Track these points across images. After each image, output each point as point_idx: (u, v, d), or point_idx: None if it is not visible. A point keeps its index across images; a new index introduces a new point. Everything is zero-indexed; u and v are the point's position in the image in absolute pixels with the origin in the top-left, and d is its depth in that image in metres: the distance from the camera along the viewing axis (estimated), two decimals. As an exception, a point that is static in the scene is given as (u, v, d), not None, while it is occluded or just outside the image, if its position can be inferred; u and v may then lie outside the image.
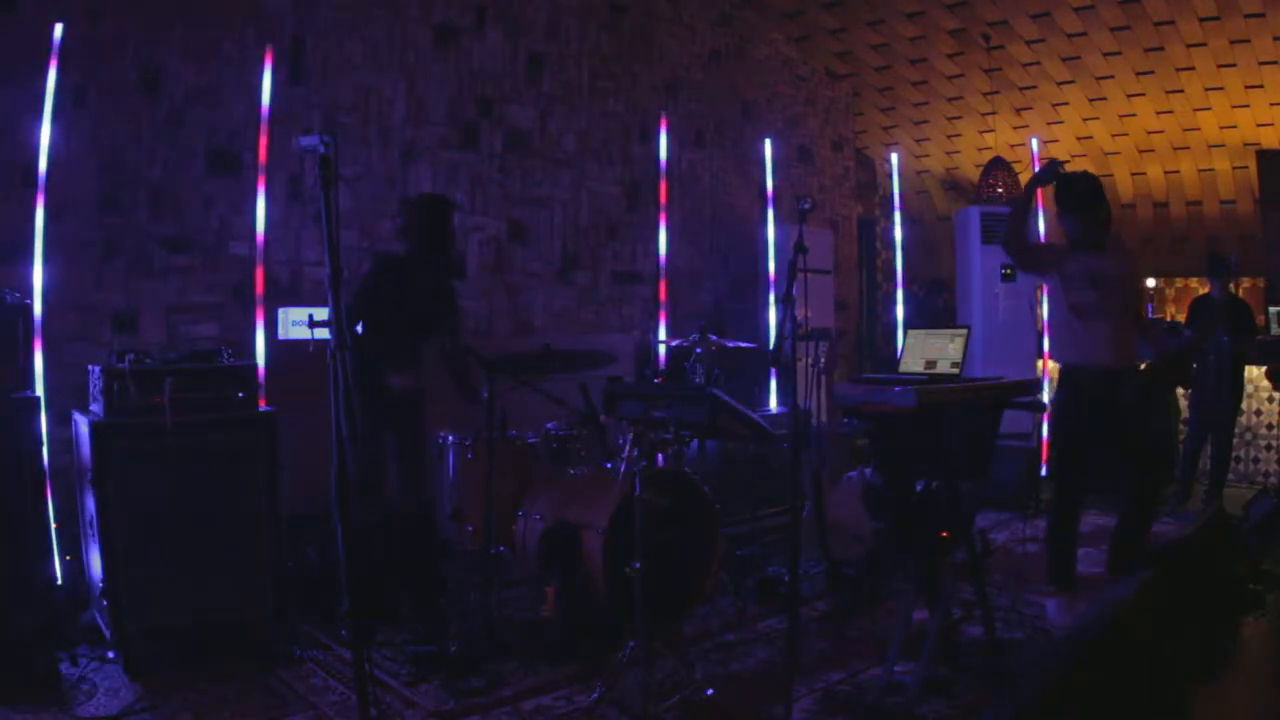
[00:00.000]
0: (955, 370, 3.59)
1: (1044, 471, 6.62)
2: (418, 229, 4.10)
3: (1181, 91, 6.77)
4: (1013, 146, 7.88)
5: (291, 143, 4.70)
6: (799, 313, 3.10)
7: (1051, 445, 4.31)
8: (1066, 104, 7.35)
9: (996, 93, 7.40)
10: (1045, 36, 6.68)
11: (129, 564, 3.37)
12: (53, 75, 4.00)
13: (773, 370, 6.15)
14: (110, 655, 3.43)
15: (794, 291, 3.01)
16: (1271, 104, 6.63)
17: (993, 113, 7.61)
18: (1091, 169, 7.83)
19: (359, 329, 3.99)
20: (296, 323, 4.73)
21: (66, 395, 3.93)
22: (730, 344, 4.94)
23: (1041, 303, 7.20)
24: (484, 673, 3.36)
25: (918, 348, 3.77)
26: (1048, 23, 6.52)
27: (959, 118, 7.99)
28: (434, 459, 4.29)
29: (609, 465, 4.01)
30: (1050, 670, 2.31)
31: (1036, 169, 4.25)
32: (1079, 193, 3.95)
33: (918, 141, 8.55)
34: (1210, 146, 7.21)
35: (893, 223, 7.85)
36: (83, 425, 3.58)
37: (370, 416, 3.72)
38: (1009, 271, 7.03)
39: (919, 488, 3.90)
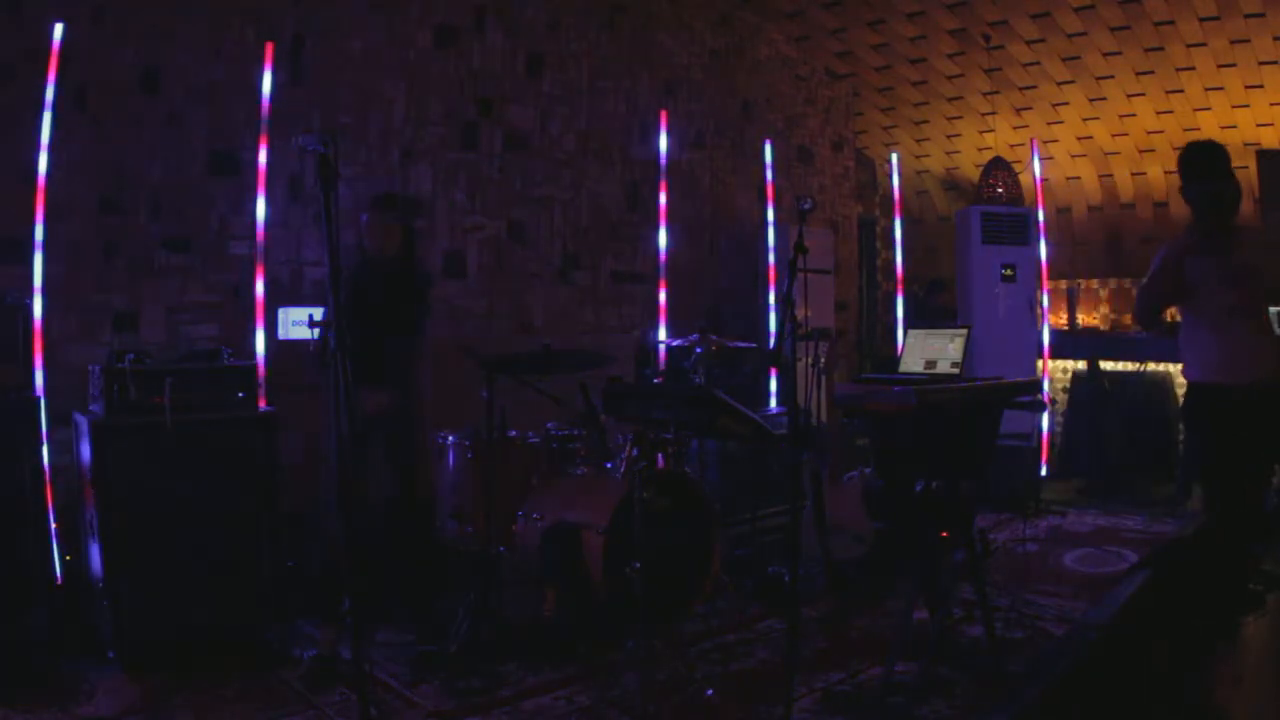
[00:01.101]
0: (955, 370, 3.59)
1: (1044, 472, 6.64)
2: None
3: (1181, 91, 6.76)
4: (1013, 146, 7.87)
5: (291, 143, 4.70)
6: (799, 313, 3.10)
7: (1214, 464, 3.47)
8: (1066, 104, 7.34)
9: (996, 93, 7.40)
10: (1045, 36, 6.67)
11: (129, 564, 3.38)
12: (53, 75, 4.00)
13: (773, 370, 6.16)
14: (110, 655, 3.43)
15: (794, 291, 3.01)
16: (1271, 104, 6.62)
17: (993, 113, 7.61)
18: (1091, 169, 7.85)
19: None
20: (296, 323, 4.73)
21: (66, 395, 3.93)
22: (730, 344, 4.94)
23: (1041, 302, 7.23)
24: (484, 673, 3.36)
25: (918, 348, 3.77)
26: (1048, 23, 6.51)
27: (959, 118, 7.98)
28: (434, 459, 4.29)
29: (609, 465, 4.01)
30: (1051, 670, 2.31)
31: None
32: (1196, 159, 3.40)
33: (918, 141, 8.55)
34: (1210, 146, 7.21)
35: (893, 223, 7.85)
36: (83, 425, 3.58)
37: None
38: (1009, 271, 7.03)
39: (919, 488, 3.90)
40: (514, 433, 4.23)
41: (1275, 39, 6.03)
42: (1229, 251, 3.29)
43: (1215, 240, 3.30)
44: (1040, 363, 7.06)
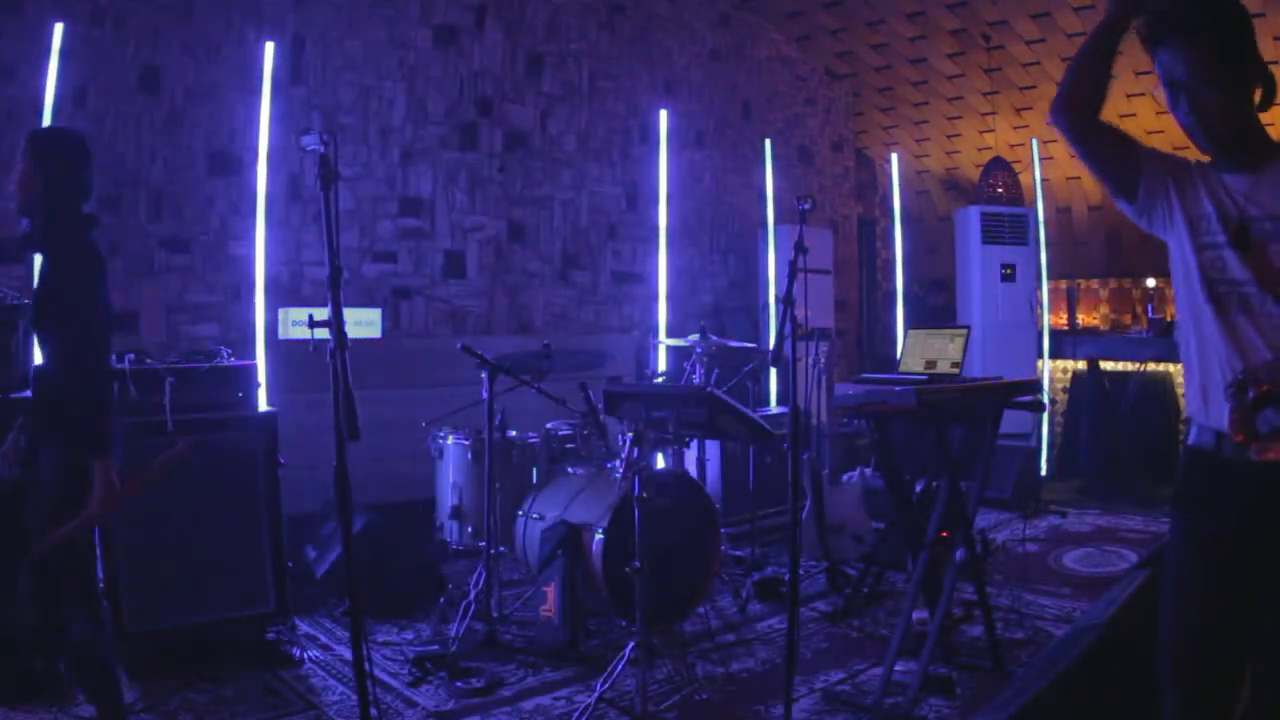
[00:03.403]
0: (955, 370, 3.59)
1: (1043, 472, 6.63)
2: None
3: (1181, 91, 6.77)
4: (1013, 146, 7.87)
5: (291, 142, 4.71)
6: (799, 313, 3.10)
7: (1164, 611, 1.83)
8: (1067, 104, 7.34)
9: (996, 93, 7.40)
10: (1045, 36, 6.67)
11: (129, 564, 3.37)
12: (53, 75, 4.00)
13: (773, 370, 6.16)
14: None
15: (794, 291, 3.01)
16: (1272, 104, 6.63)
17: (993, 113, 7.60)
18: (1091, 169, 7.84)
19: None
20: (296, 323, 4.73)
21: (66, 395, 3.92)
22: (730, 344, 4.94)
23: (1042, 302, 7.22)
24: (484, 673, 3.36)
25: (918, 348, 3.77)
26: (1048, 23, 6.51)
27: (959, 118, 7.98)
28: (434, 459, 4.29)
29: (609, 465, 4.01)
30: (1051, 669, 2.31)
31: None
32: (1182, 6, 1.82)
33: (918, 141, 8.55)
34: (1210, 146, 7.21)
35: (893, 223, 7.84)
36: (83, 425, 3.57)
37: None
38: (1009, 271, 7.03)
39: (919, 488, 3.90)
40: (514, 433, 4.23)
41: (1275, 39, 6.03)
42: (1258, 182, 1.81)
43: (1238, 159, 1.85)
44: (1040, 363, 7.06)
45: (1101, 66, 1.99)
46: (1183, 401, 6.46)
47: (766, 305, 6.74)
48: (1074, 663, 2.28)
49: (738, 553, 4.68)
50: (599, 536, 3.57)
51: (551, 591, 3.65)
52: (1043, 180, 7.28)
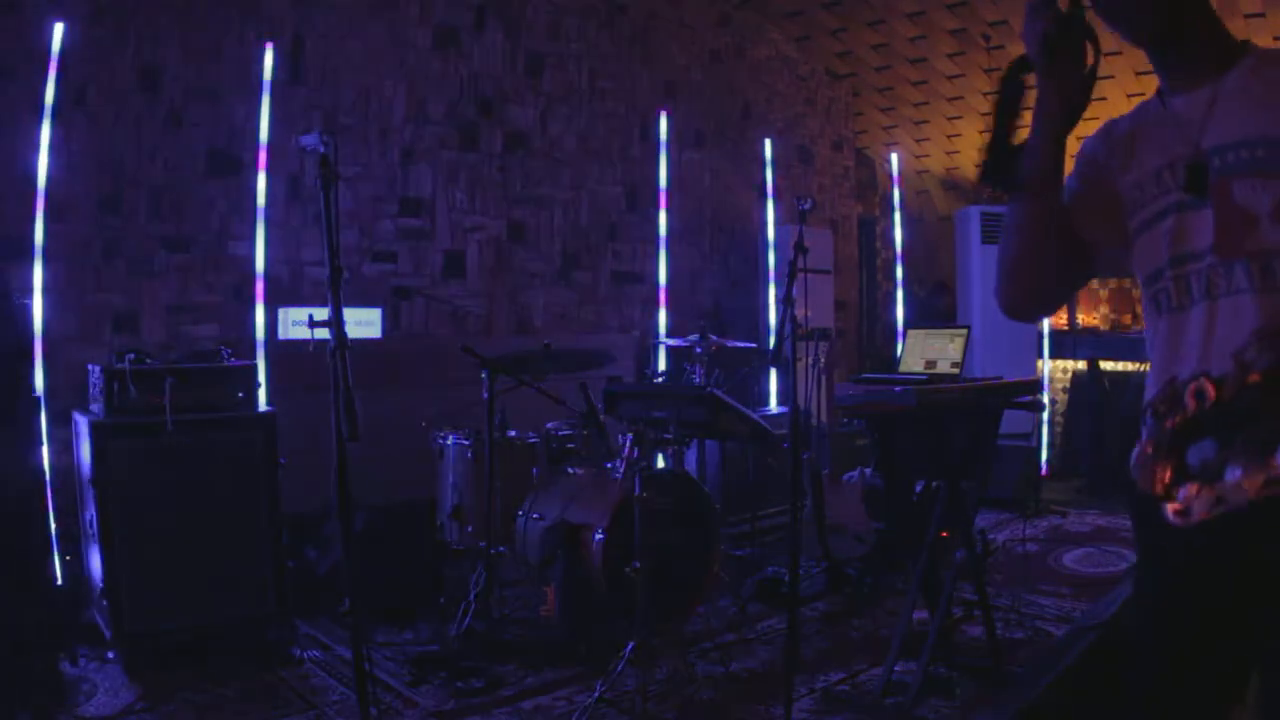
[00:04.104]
0: (955, 370, 3.58)
1: (1044, 472, 6.63)
2: None
3: (1181, 91, 6.76)
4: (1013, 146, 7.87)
5: (291, 142, 4.70)
6: (799, 313, 3.10)
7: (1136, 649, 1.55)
8: (1067, 104, 7.34)
9: (997, 93, 7.40)
10: (1045, 36, 6.68)
11: (129, 564, 3.38)
12: (53, 75, 4.01)
13: (772, 370, 6.16)
14: (110, 655, 3.43)
15: (794, 291, 3.01)
16: (1271, 104, 6.63)
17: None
18: (1091, 169, 7.84)
19: None
20: (296, 323, 4.73)
21: (66, 395, 3.93)
22: (730, 344, 4.94)
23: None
24: (484, 673, 3.36)
25: (918, 348, 3.77)
26: (1048, 23, 6.52)
27: (959, 118, 7.98)
28: (434, 459, 4.29)
29: (609, 465, 4.01)
30: (1051, 670, 2.31)
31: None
32: None
33: (918, 141, 8.54)
34: (1210, 146, 7.20)
35: (893, 223, 7.84)
36: (83, 425, 3.58)
37: None
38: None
39: (919, 488, 3.90)
40: (514, 433, 4.23)
41: (1275, 39, 6.03)
42: (1209, 102, 1.37)
43: (1185, 75, 1.42)
44: (1040, 363, 7.06)
45: (1046, 244, 1.53)
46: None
47: (766, 305, 6.74)
48: (1074, 663, 2.29)
49: (738, 553, 4.68)
50: (599, 536, 3.57)
51: (551, 591, 3.65)
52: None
